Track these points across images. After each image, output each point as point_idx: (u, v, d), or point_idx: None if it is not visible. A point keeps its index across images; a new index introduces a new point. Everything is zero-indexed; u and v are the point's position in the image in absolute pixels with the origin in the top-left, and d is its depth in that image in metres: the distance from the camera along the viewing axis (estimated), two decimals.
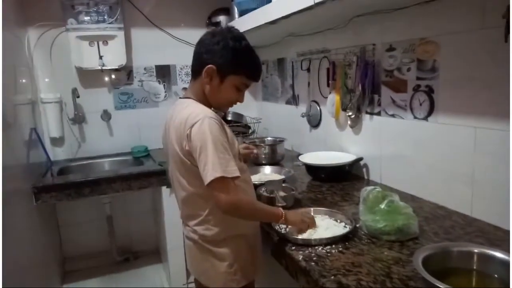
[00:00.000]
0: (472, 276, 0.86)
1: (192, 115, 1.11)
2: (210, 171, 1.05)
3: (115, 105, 2.75)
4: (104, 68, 2.54)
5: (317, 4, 1.40)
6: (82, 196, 2.14)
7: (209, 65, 1.16)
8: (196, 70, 1.21)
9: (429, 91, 1.45)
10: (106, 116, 2.72)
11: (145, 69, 2.79)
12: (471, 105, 1.30)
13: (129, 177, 2.22)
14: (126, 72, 2.74)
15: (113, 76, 2.71)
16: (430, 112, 1.46)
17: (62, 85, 2.56)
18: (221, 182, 1.06)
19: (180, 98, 1.29)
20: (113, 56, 2.56)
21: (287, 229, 1.27)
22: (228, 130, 1.19)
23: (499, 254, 0.84)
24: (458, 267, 0.87)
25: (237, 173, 1.09)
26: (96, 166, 2.62)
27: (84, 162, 2.62)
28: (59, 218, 2.70)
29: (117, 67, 2.61)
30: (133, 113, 2.80)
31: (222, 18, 2.66)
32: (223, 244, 1.21)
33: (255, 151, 1.54)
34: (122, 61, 2.59)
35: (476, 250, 0.87)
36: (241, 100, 1.26)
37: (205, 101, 1.22)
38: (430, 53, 1.42)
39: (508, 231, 1.20)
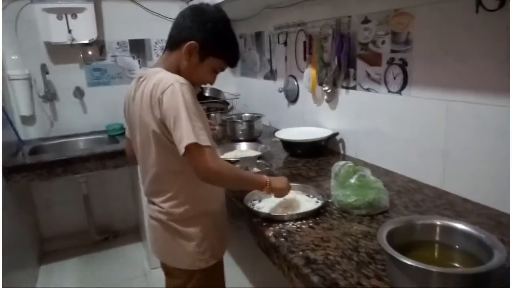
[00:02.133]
0: (434, 248, 0.86)
1: (163, 81, 1.05)
2: (185, 139, 1.01)
3: (88, 81, 2.66)
4: (74, 42, 2.43)
5: None
6: (55, 176, 2.09)
7: (192, 41, 1.11)
8: (176, 42, 1.15)
9: (403, 64, 1.43)
10: (79, 93, 2.63)
11: (118, 43, 2.68)
12: (444, 78, 1.28)
13: (104, 155, 2.17)
14: (98, 47, 2.63)
15: (84, 51, 2.60)
16: (404, 85, 1.44)
17: (31, 61, 2.44)
18: (197, 148, 1.02)
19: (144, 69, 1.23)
20: (83, 30, 2.45)
21: (257, 205, 1.26)
22: (197, 101, 1.15)
23: (460, 226, 0.85)
24: (422, 239, 0.87)
25: (208, 143, 1.05)
26: (70, 145, 2.56)
27: (58, 141, 2.54)
28: (35, 198, 2.64)
29: (88, 42, 2.50)
30: (107, 90, 2.71)
31: None
32: (191, 223, 1.18)
33: (217, 127, 1.51)
34: (93, 35, 2.49)
35: (438, 223, 0.87)
36: (212, 82, 1.23)
37: (179, 74, 1.14)
38: (404, 25, 1.40)
39: (477, 204, 1.22)
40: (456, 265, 0.82)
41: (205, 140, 1.03)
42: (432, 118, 1.35)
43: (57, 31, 2.39)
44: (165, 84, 1.04)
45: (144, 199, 2.27)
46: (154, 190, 1.21)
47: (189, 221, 1.18)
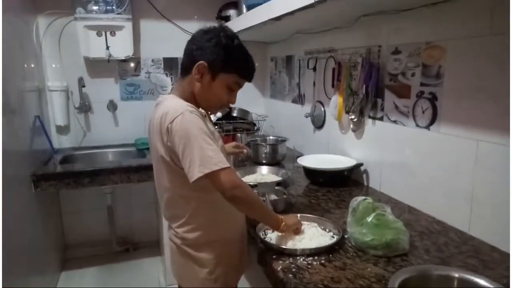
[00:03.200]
0: None
1: (172, 109, 1.06)
2: (200, 167, 1.00)
3: (121, 95, 2.75)
4: (111, 58, 2.53)
5: (317, 3, 1.34)
6: (81, 186, 2.15)
7: (200, 61, 1.12)
8: (186, 67, 1.16)
9: (433, 99, 1.37)
10: (112, 106, 2.72)
11: (152, 60, 2.77)
12: (475, 116, 1.22)
13: (129, 169, 2.22)
14: (133, 63, 2.73)
15: (120, 67, 2.71)
16: (433, 120, 1.38)
17: (69, 74, 2.57)
18: (217, 173, 1.01)
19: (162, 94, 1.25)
20: (121, 46, 2.55)
21: (270, 236, 1.23)
22: (211, 127, 1.15)
23: (480, 281, 0.78)
24: None
25: (227, 164, 1.04)
26: (99, 156, 2.64)
27: (88, 151, 2.64)
28: (62, 205, 2.73)
29: (124, 58, 2.60)
30: (139, 105, 2.79)
31: (232, 12, 2.61)
32: (204, 248, 1.17)
33: (244, 151, 1.50)
34: (129, 52, 2.58)
35: (456, 275, 0.81)
36: (232, 101, 1.22)
37: (193, 100, 1.17)
38: (435, 58, 1.35)
39: (505, 254, 1.12)
40: None
41: (224, 162, 1.03)
42: (461, 157, 1.27)
43: (95, 47, 2.50)
44: (174, 113, 1.05)
45: None
46: (170, 215, 1.22)
47: (202, 246, 1.17)
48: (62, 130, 2.64)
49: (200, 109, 1.18)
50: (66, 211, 2.74)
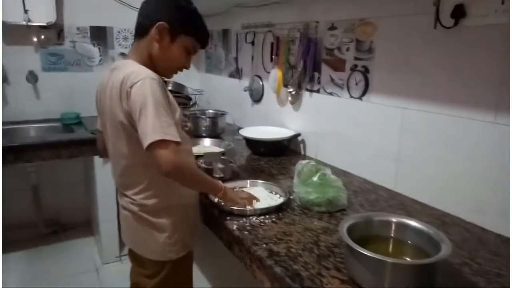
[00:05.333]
0: (389, 242, 0.93)
1: (133, 74, 1.04)
2: (150, 134, 1.00)
3: (42, 66, 2.51)
4: (30, 23, 2.30)
5: None
6: (5, 163, 1.96)
7: (161, 22, 1.10)
8: (144, 28, 1.13)
9: (365, 71, 1.51)
10: (32, 77, 2.48)
11: (78, 29, 2.57)
12: (401, 87, 1.38)
13: (58, 144, 2.07)
14: (56, 30, 2.50)
15: (40, 34, 2.46)
16: (365, 91, 1.53)
17: None
18: (162, 144, 1.01)
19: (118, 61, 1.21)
20: (41, 11, 2.32)
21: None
22: (170, 95, 1.14)
23: (412, 223, 0.92)
24: (378, 234, 0.94)
25: (178, 138, 1.05)
26: (20, 132, 2.40)
27: (7, 127, 2.37)
28: None
29: (45, 24, 2.37)
30: (64, 76, 2.58)
31: None
32: (163, 214, 1.18)
33: (188, 124, 1.51)
34: (52, 17, 2.36)
35: (394, 220, 0.95)
36: (187, 66, 1.22)
37: (150, 64, 1.14)
38: (368, 34, 1.48)
39: (425, 205, 1.32)
40: (407, 259, 0.89)
41: (174, 136, 1.03)
42: (389, 124, 1.44)
43: (12, 10, 2.25)
44: (135, 78, 1.03)
45: (100, 192, 2.22)
46: (126, 183, 1.19)
47: (161, 212, 1.18)
48: None
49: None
50: None
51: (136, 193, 1.16)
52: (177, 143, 1.04)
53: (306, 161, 1.33)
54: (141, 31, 1.15)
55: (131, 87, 1.03)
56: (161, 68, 1.17)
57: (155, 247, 1.19)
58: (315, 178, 1.25)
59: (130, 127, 1.07)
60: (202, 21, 1.19)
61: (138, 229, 1.20)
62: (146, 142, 1.01)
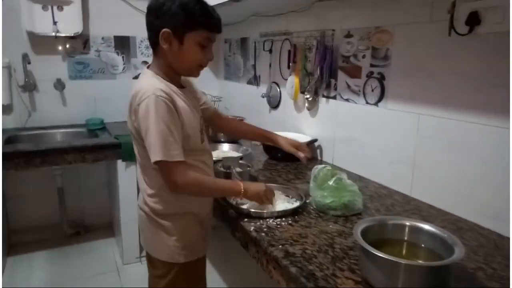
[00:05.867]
0: (403, 245, 0.95)
1: (142, 91, 1.08)
2: (152, 154, 1.07)
3: (69, 74, 2.63)
4: (58, 35, 2.42)
5: None
6: (32, 166, 2.06)
7: (163, 30, 1.10)
8: (154, 41, 1.15)
9: (381, 78, 1.54)
10: (59, 85, 2.60)
11: (103, 38, 2.68)
12: (417, 93, 1.39)
13: (83, 148, 2.17)
14: (82, 40, 2.62)
15: (68, 44, 2.58)
16: (381, 98, 1.55)
17: (11, 50, 2.40)
18: (164, 165, 1.08)
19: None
20: (69, 22, 2.44)
21: (243, 202, 1.31)
22: (183, 106, 1.15)
23: (426, 227, 0.94)
24: (392, 238, 0.96)
25: (179, 158, 1.08)
26: (47, 137, 2.52)
27: (34, 132, 2.50)
28: (5, 188, 2.57)
29: (72, 35, 2.49)
30: (89, 84, 2.69)
31: None
32: (172, 218, 1.21)
33: (302, 155, 1.45)
34: (78, 28, 2.48)
35: (407, 223, 0.96)
36: (209, 57, 1.17)
37: (171, 72, 1.17)
38: (384, 41, 1.50)
39: (440, 210, 1.32)
40: (421, 261, 0.91)
41: (175, 156, 1.07)
42: (405, 129, 1.45)
43: (41, 22, 2.37)
44: (142, 95, 1.08)
45: (122, 195, 2.30)
46: (142, 186, 1.25)
47: (170, 216, 1.22)
48: (5, 109, 2.47)
49: (173, 87, 1.17)
50: (10, 195, 2.59)
51: (149, 196, 1.22)
52: (179, 162, 1.08)
53: (322, 165, 1.36)
54: (152, 43, 1.18)
55: (138, 104, 1.08)
56: (182, 70, 1.19)
57: (164, 249, 1.23)
58: (331, 182, 1.27)
59: (139, 139, 1.14)
60: (205, 9, 1.11)
61: (150, 230, 1.25)
62: (151, 159, 1.08)
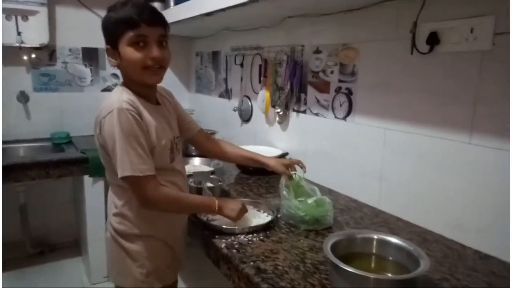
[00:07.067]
0: (372, 259, 0.97)
1: (106, 106, 1.07)
2: (120, 169, 1.03)
3: (34, 86, 2.54)
4: (23, 45, 2.34)
5: (250, 2, 1.45)
6: None
7: (106, 47, 1.14)
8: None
9: (349, 93, 1.58)
10: (23, 97, 2.50)
11: (70, 50, 2.62)
12: (383, 108, 1.44)
13: (48, 164, 2.08)
14: (48, 51, 2.54)
15: (33, 55, 2.50)
16: (349, 112, 1.59)
17: None
18: (134, 179, 1.04)
19: None
20: (34, 33, 2.37)
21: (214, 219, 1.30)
22: (150, 120, 1.11)
23: (393, 240, 0.97)
24: (361, 251, 0.98)
25: (149, 172, 1.05)
26: (9, 152, 2.41)
27: None
28: None
29: (38, 46, 2.41)
30: (54, 96, 2.61)
31: (156, 5, 2.59)
32: (136, 240, 1.15)
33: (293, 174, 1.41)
34: (44, 39, 2.41)
35: (375, 237, 0.99)
36: (153, 55, 1.08)
37: (134, 85, 1.14)
38: (350, 58, 1.55)
39: (407, 222, 1.36)
40: (389, 274, 0.93)
41: (145, 170, 1.04)
42: (372, 143, 1.49)
43: (4, 32, 2.29)
44: (106, 110, 1.06)
45: (89, 212, 2.22)
46: (109, 203, 1.21)
47: (134, 238, 1.16)
48: None
49: (142, 101, 1.14)
50: None
51: (113, 215, 1.18)
52: (150, 176, 1.06)
53: (292, 172, 1.38)
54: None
55: (104, 117, 1.06)
56: (133, 76, 1.12)
57: (125, 275, 1.16)
58: (303, 197, 1.29)
59: (106, 154, 1.11)
60: (119, 11, 1.09)
61: (112, 253, 1.19)
62: (119, 175, 1.04)
